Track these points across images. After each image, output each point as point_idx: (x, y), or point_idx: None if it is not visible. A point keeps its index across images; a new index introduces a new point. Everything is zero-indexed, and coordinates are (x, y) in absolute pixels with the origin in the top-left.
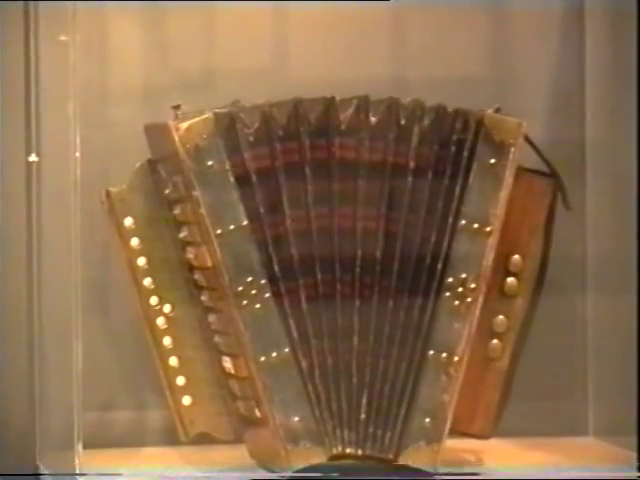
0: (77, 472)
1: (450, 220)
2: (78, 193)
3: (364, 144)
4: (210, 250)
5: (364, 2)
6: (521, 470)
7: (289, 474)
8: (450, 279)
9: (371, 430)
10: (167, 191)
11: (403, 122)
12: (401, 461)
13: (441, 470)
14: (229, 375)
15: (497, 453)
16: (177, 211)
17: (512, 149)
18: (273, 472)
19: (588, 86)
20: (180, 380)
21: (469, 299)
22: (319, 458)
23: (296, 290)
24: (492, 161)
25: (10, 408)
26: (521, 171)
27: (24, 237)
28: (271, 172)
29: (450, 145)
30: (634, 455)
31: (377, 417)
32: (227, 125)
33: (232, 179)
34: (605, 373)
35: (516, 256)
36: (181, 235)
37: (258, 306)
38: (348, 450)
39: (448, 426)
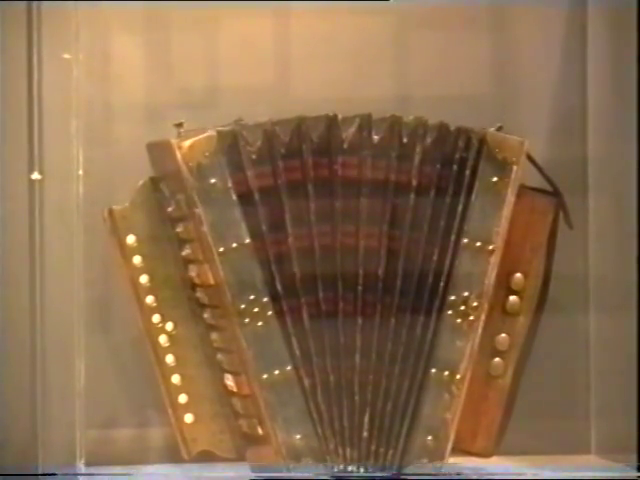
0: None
1: (452, 238)
2: (80, 211)
3: (366, 162)
4: (212, 268)
5: (367, 20)
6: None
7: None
8: (452, 297)
9: (373, 448)
10: (169, 209)
11: (405, 140)
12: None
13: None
14: (231, 393)
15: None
16: (179, 229)
17: (514, 167)
18: None
19: (590, 104)
20: (182, 398)
21: (471, 317)
22: (321, 476)
23: (298, 308)
24: (494, 179)
25: (12, 426)
26: (523, 189)
27: (26, 254)
28: (273, 190)
29: (452, 163)
30: (635, 474)
31: (379, 435)
32: (230, 143)
33: (234, 197)
34: (607, 391)
35: (518, 274)
36: (183, 253)
37: (260, 324)
38: (350, 468)
39: (450, 444)
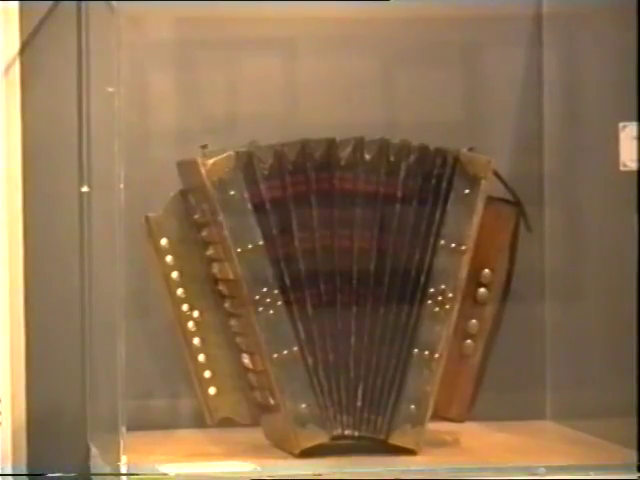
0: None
1: (431, 240)
2: (122, 218)
3: (360, 177)
4: (232, 265)
5: (360, 59)
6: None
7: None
8: (431, 289)
9: (365, 415)
10: (196, 216)
11: (392, 159)
12: (390, 441)
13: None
14: (247, 369)
15: (470, 434)
16: (204, 233)
17: (483, 181)
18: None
19: (545, 130)
20: (207, 374)
21: (447, 306)
22: (322, 439)
23: (303, 299)
24: (466, 191)
25: (66, 397)
26: (490, 199)
27: (77, 254)
28: (282, 201)
29: (431, 178)
30: (635, 474)
31: (371, 404)
32: (246, 161)
33: (250, 206)
34: (560, 368)
35: (486, 270)
36: (208, 253)
37: (271, 312)
38: (346, 432)
39: (430, 412)
